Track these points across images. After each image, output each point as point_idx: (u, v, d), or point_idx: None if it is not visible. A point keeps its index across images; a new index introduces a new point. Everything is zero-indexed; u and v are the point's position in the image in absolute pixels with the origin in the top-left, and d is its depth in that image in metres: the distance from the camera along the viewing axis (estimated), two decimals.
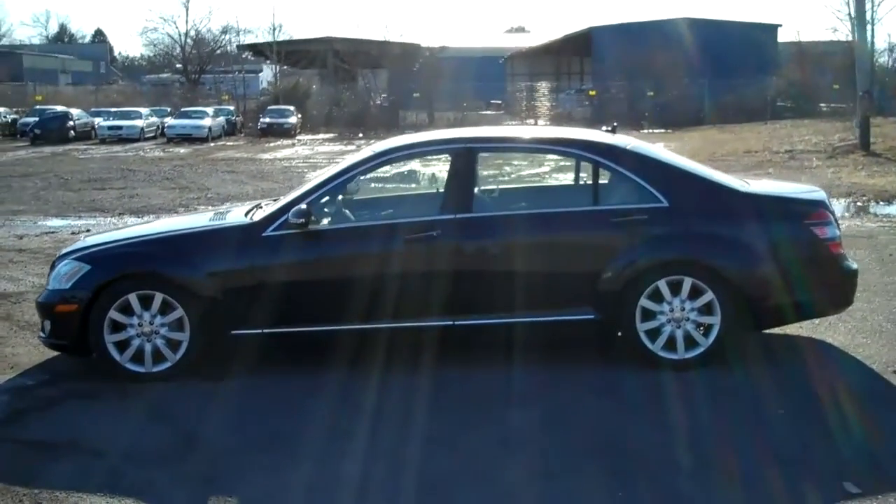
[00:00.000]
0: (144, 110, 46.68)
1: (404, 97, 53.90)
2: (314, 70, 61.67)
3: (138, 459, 5.21)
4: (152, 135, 44.16)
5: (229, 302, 6.46)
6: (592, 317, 6.47)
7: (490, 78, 61.41)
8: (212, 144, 40.17)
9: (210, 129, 42.31)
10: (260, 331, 6.53)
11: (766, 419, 5.59)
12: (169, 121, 44.26)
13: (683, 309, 6.42)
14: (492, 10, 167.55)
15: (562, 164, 7.07)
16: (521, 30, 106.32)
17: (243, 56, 66.31)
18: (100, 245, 6.94)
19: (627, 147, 6.80)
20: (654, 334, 6.46)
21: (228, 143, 41.10)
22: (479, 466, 5.00)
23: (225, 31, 70.29)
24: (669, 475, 4.82)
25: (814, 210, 6.59)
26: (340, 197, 6.95)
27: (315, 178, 6.95)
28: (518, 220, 6.68)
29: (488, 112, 54.92)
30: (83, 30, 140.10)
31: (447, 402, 6.03)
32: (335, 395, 6.18)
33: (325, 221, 6.74)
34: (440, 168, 6.68)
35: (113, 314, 6.45)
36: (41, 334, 6.82)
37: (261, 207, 7.00)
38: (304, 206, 6.46)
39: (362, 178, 6.90)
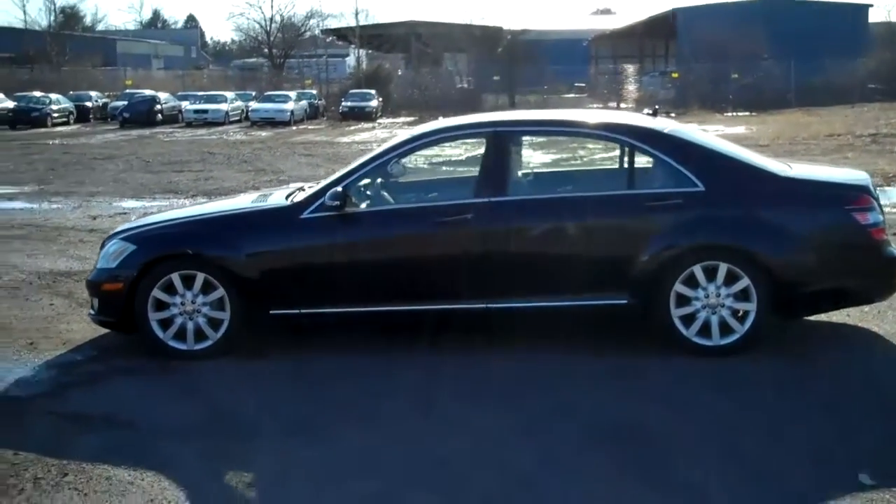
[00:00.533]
0: (230, 94, 47.49)
1: (486, 80, 53.84)
2: (400, 54, 62.04)
3: (166, 434, 5.37)
4: (237, 118, 44.90)
5: (268, 282, 6.60)
6: (626, 301, 6.44)
7: (573, 61, 60.88)
8: (293, 128, 40.72)
9: (292, 112, 42.86)
10: (298, 311, 6.66)
11: (788, 409, 5.51)
12: (253, 105, 44.93)
13: (719, 295, 6.35)
14: None
15: (601, 148, 7.03)
16: (606, 11, 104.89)
17: (328, 40, 66.90)
18: (146, 226, 7.16)
19: (664, 130, 6.74)
20: (688, 320, 6.40)
21: (310, 127, 41.62)
22: (487, 450, 5.04)
23: (310, 16, 70.98)
24: (679, 463, 4.80)
25: (855, 195, 6.45)
26: (381, 180, 7.01)
27: (354, 161, 7.05)
28: (551, 203, 6.69)
29: (571, 95, 54.53)
30: (175, 16, 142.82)
31: (472, 386, 6.08)
32: (361, 377, 6.28)
33: (365, 204, 6.81)
34: (481, 151, 6.71)
35: (157, 293, 6.63)
36: (91, 311, 7.05)
37: (303, 190, 7.11)
38: (339, 188, 6.56)
39: (402, 160, 6.94)
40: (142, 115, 42.86)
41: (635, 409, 5.61)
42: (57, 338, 7.34)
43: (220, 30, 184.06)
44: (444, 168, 6.72)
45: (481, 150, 6.72)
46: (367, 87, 50.17)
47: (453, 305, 6.58)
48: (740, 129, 32.26)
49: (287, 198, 6.97)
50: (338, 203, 6.50)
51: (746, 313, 6.36)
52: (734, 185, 6.48)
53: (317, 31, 70.29)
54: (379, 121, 45.31)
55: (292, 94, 46.86)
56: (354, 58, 68.03)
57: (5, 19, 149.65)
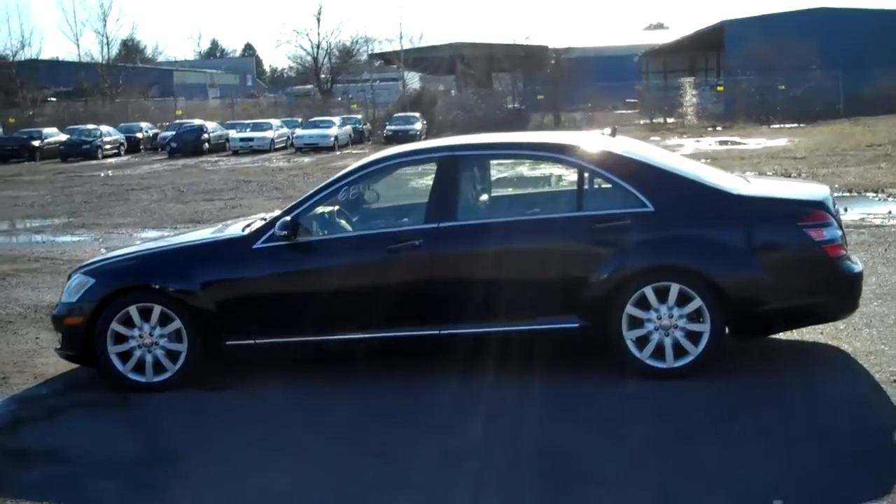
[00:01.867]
0: (275, 122, 48.00)
1: (532, 100, 53.81)
2: (451, 76, 62.29)
3: (100, 469, 5.42)
4: (282, 145, 45.38)
5: (222, 313, 6.63)
6: (578, 325, 6.35)
7: (624, 76, 60.55)
8: (337, 153, 41.01)
9: (336, 137, 43.19)
10: (253, 341, 6.68)
11: (723, 432, 5.39)
12: (298, 131, 45.37)
13: (671, 316, 6.24)
14: (628, 7, 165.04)
15: (555, 170, 6.97)
16: (659, 26, 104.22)
17: (376, 64, 67.41)
18: (106, 260, 7.25)
19: (613, 151, 6.66)
20: (642, 343, 6.30)
21: (353, 152, 41.86)
22: (409, 478, 4.99)
23: (355, 41, 71.65)
24: (592, 490, 4.72)
25: (809, 211, 6.30)
26: (336, 208, 7.01)
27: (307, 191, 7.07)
28: (499, 227, 6.63)
29: (619, 111, 54.17)
30: (233, 45, 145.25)
31: (417, 412, 6.06)
32: (307, 405, 6.30)
33: (322, 232, 6.82)
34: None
35: (115, 326, 6.69)
36: (56, 346, 7.14)
37: (265, 220, 7.14)
38: (288, 218, 6.58)
39: (365, 187, 6.95)
40: (189, 144, 43.55)
41: (570, 433, 5.55)
42: (30, 372, 7.44)
43: (277, 57, 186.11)
44: (415, 194, 6.72)
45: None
46: (412, 110, 50.41)
47: (405, 332, 6.55)
48: (782, 142, 31.83)
49: (244, 229, 7.00)
50: (286, 233, 6.53)
51: (700, 335, 6.23)
52: (684, 205, 6.37)
53: (362, 57, 70.82)
54: None
55: (336, 119, 47.23)
56: (410, 81, 68.53)
57: (61, 53, 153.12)
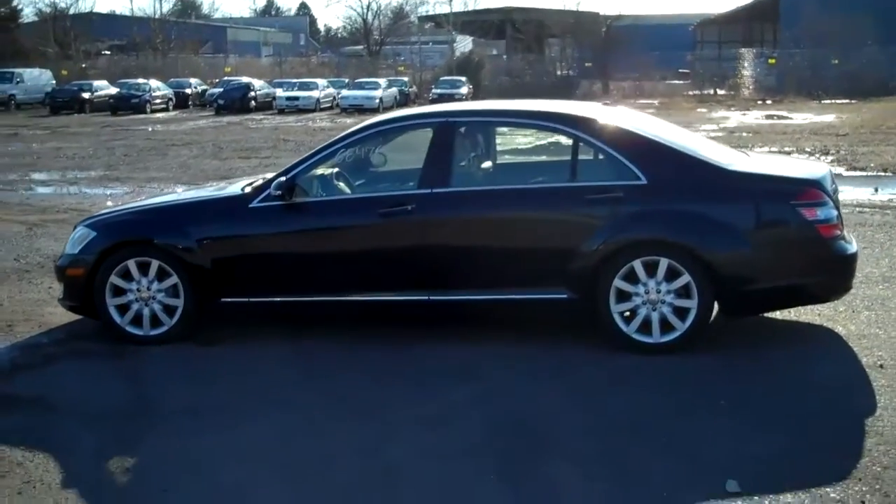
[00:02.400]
0: (322, 82, 48.12)
1: (581, 67, 53.37)
2: (502, 40, 61.88)
3: (81, 417, 5.54)
4: (328, 105, 45.50)
5: (218, 270, 6.72)
6: (566, 296, 6.35)
7: (678, 46, 59.76)
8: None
9: (381, 99, 43.17)
10: (248, 299, 6.77)
11: (702, 409, 5.39)
12: (344, 92, 45.45)
13: (659, 291, 6.21)
14: None
15: (551, 139, 6.94)
16: None
17: (427, 27, 67.18)
18: (109, 213, 7.37)
19: (609, 122, 6.61)
20: (629, 316, 6.29)
21: None
22: (381, 440, 5.06)
23: (405, 2, 71.39)
24: (556, 460, 4.74)
25: (803, 190, 6.22)
26: (336, 170, 7.05)
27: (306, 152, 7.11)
28: (491, 195, 6.65)
29: (670, 81, 53.55)
30: (289, 4, 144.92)
31: (396, 376, 6.10)
32: (295, 363, 6.38)
33: (320, 194, 6.86)
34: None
35: (114, 279, 6.81)
36: (59, 296, 7.28)
37: (264, 179, 7.20)
38: (283, 179, 6.63)
39: (350, 151, 6.96)
40: (236, 102, 43.84)
41: (549, 403, 5.57)
42: (36, 321, 7.59)
43: (331, 17, 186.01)
44: (417, 159, 6.77)
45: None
46: (459, 74, 50.25)
47: (395, 297, 6.60)
48: (829, 118, 31.30)
49: (244, 188, 7.07)
50: (280, 193, 6.58)
51: (688, 310, 6.20)
52: (677, 179, 6.32)
53: (413, 18, 70.62)
54: None
55: (383, 81, 47.25)
56: (465, 44, 68.20)
57: (116, 6, 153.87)
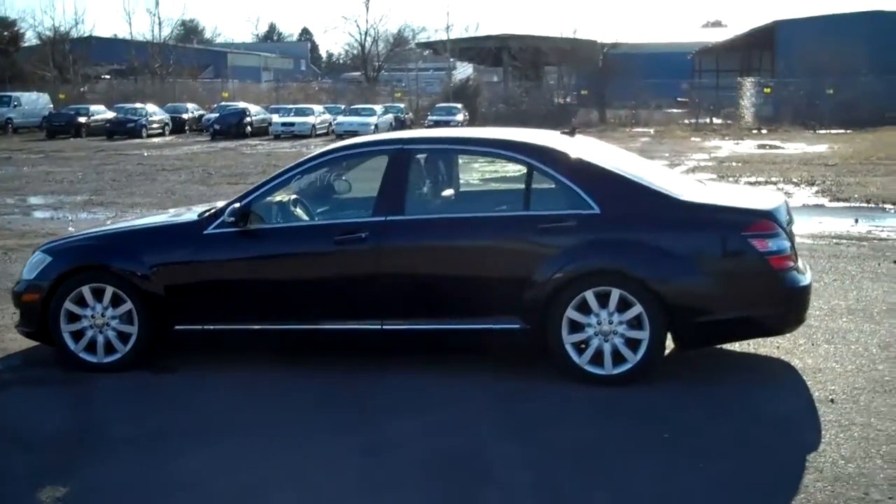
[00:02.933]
0: (318, 108, 48.23)
1: (578, 94, 53.50)
2: (500, 67, 62.05)
3: (19, 447, 5.48)
4: (324, 131, 45.54)
5: (171, 297, 6.68)
6: (518, 326, 6.31)
7: (676, 74, 59.90)
8: None
9: (376, 126, 43.23)
10: (201, 327, 6.73)
11: (644, 442, 5.34)
12: (339, 118, 45.55)
13: (611, 322, 6.18)
14: (686, 4, 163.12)
15: (506, 167, 6.92)
16: (717, 24, 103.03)
17: (424, 54, 67.45)
18: (66, 239, 7.35)
19: (563, 150, 6.59)
20: (581, 347, 6.25)
21: None
22: (313, 472, 5.01)
23: (402, 30, 71.76)
24: (484, 494, 4.70)
25: (754, 221, 6.20)
26: (293, 197, 7.03)
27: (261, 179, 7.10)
28: (444, 223, 6.62)
29: (666, 109, 53.58)
30: (290, 30, 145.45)
31: (342, 406, 6.06)
32: (244, 393, 6.33)
33: (276, 221, 6.84)
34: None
35: (68, 305, 6.77)
36: (16, 322, 7.24)
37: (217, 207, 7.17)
38: (238, 205, 6.61)
39: (305, 178, 6.97)
40: (231, 127, 43.90)
41: (492, 435, 5.51)
42: None
43: (333, 43, 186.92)
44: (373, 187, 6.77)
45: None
46: (455, 100, 50.40)
47: (350, 325, 6.56)
48: (822, 148, 31.34)
49: (201, 214, 7.04)
50: (234, 220, 6.56)
51: (639, 342, 6.16)
52: (629, 209, 6.29)
53: (411, 45, 70.90)
54: None
55: (378, 108, 47.36)
56: (464, 71, 68.40)
57: (115, 30, 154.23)
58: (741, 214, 6.30)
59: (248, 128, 44.61)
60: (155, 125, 46.32)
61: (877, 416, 5.62)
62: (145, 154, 33.17)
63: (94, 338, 6.79)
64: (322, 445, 5.38)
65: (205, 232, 6.71)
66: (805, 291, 6.32)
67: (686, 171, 23.54)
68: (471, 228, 6.51)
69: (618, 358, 6.20)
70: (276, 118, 45.64)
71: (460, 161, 7.29)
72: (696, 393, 6.15)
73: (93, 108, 48.66)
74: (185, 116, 49.96)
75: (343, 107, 50.87)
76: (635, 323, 6.16)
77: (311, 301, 6.59)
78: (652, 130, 45.28)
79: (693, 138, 39.77)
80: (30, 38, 69.17)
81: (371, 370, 6.66)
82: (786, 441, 5.35)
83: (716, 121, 49.54)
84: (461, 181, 7.31)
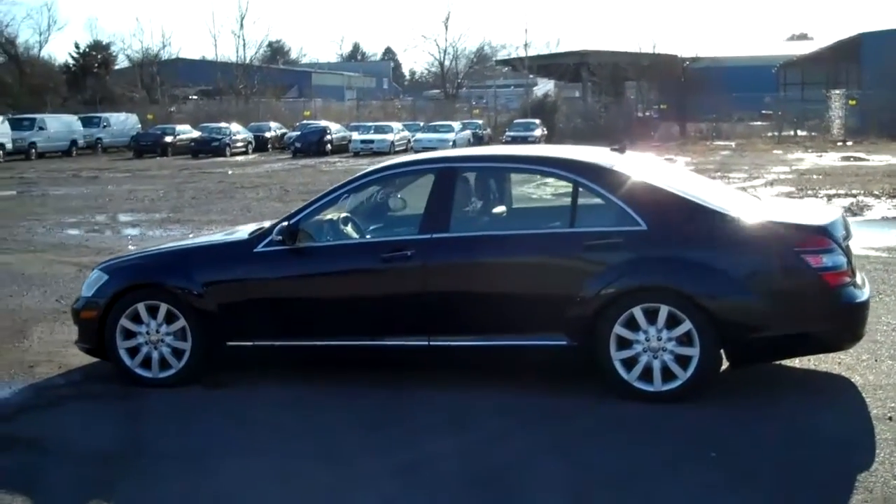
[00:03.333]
0: (397, 125, 48.62)
1: (658, 109, 52.99)
2: (583, 83, 61.85)
3: (69, 460, 5.60)
4: (402, 148, 45.81)
5: (223, 314, 6.77)
6: (566, 343, 6.25)
7: (760, 87, 58.96)
8: None
9: (454, 142, 43.41)
10: (252, 343, 6.80)
11: (690, 461, 5.22)
12: (417, 135, 45.84)
13: (660, 338, 6.08)
14: (771, 18, 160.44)
15: (553, 185, 6.86)
16: (803, 37, 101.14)
17: (504, 70, 67.55)
18: (123, 257, 7.49)
19: (609, 167, 6.52)
20: (630, 364, 6.15)
21: None
22: (355, 489, 5.00)
23: (481, 48, 72.01)
24: None
25: (808, 237, 6.04)
26: (343, 215, 7.07)
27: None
28: (491, 241, 6.60)
29: (749, 122, 52.72)
30: (374, 49, 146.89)
31: (387, 423, 6.04)
32: (294, 410, 6.36)
33: (325, 239, 6.89)
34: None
35: (124, 322, 6.91)
36: (75, 338, 7.40)
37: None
38: (286, 223, 6.68)
39: (353, 197, 7.01)
40: (312, 145, 44.51)
41: (529, 454, 5.45)
42: (58, 362, 7.72)
43: (417, 62, 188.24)
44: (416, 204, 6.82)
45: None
46: (534, 116, 50.32)
47: (397, 342, 6.57)
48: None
49: (252, 233, 7.12)
50: (281, 238, 6.63)
51: (689, 359, 6.05)
52: (677, 225, 6.19)
53: (491, 63, 71.08)
54: None
55: (457, 124, 47.54)
56: (544, 87, 68.35)
57: (204, 52, 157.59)
58: (794, 230, 6.15)
59: (329, 145, 45.16)
60: (239, 144, 47.18)
61: None
62: (228, 172, 33.77)
63: (149, 354, 6.91)
64: (362, 463, 5.37)
65: (255, 250, 6.79)
66: (862, 307, 6.14)
67: (764, 183, 23.14)
68: (516, 245, 6.47)
69: (667, 375, 6.09)
70: (355, 136, 46.13)
71: (507, 179, 7.24)
72: (749, 411, 6.00)
73: (178, 127, 49.74)
74: (267, 135, 50.76)
75: (421, 124, 51.14)
76: (685, 339, 6.05)
77: (358, 318, 6.62)
78: (733, 143, 44.58)
79: (775, 151, 39.06)
80: (120, 61, 71.26)
81: (418, 387, 6.63)
82: (837, 460, 5.19)
83: (800, 133, 48.59)
84: (508, 199, 7.26)
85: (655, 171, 6.80)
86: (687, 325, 6.01)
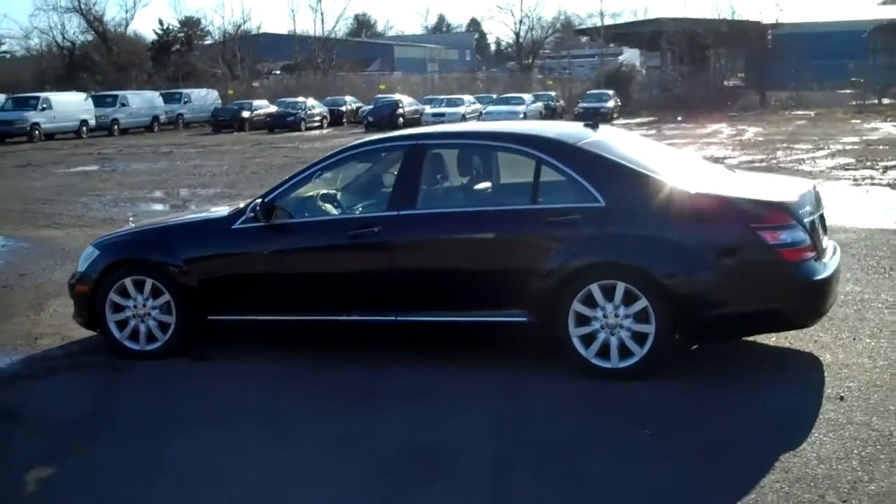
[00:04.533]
0: (469, 98, 48.59)
1: (737, 77, 51.96)
2: (661, 52, 60.91)
3: (42, 428, 5.86)
4: (474, 121, 45.84)
5: (204, 289, 6.99)
6: (527, 319, 6.30)
7: (847, 54, 57.29)
8: None
9: (525, 114, 43.27)
10: (230, 317, 7.01)
11: (623, 438, 5.26)
12: (489, 107, 45.78)
13: (617, 315, 6.09)
14: None
15: (518, 161, 6.86)
16: None
17: (583, 40, 66.89)
18: (115, 234, 7.76)
19: (573, 143, 6.52)
20: (589, 340, 6.18)
21: None
22: (293, 459, 5.17)
23: (556, 18, 71.29)
24: (439, 486, 4.74)
25: (764, 213, 5.98)
26: (319, 192, 7.20)
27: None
28: (454, 217, 6.67)
29: (830, 90, 51.33)
30: (459, 20, 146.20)
31: (351, 396, 6.20)
32: (269, 381, 6.59)
33: (297, 216, 7.02)
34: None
35: (113, 296, 7.16)
36: (73, 312, 7.70)
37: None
38: (260, 200, 6.84)
39: (324, 174, 7.13)
40: (384, 118, 44.74)
41: (473, 427, 5.54)
42: (62, 335, 8.01)
43: (499, 34, 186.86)
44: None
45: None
46: (608, 87, 49.79)
47: (367, 317, 6.70)
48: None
49: (231, 210, 7.31)
50: (253, 215, 6.80)
51: (646, 336, 6.05)
52: (635, 201, 6.17)
53: (565, 33, 70.39)
54: (613, 122, 44.72)
55: (528, 96, 47.32)
56: (630, 56, 67.41)
57: (286, 26, 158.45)
58: (751, 206, 6.09)
59: (401, 119, 45.33)
60: (315, 118, 47.69)
61: (880, 416, 5.35)
62: (299, 146, 34.17)
63: (136, 327, 7.16)
64: (308, 434, 5.53)
65: (232, 227, 6.97)
66: (822, 284, 6.04)
67: (826, 154, 22.65)
68: (480, 222, 6.54)
69: (625, 352, 6.11)
70: (427, 109, 46.24)
71: (475, 156, 7.28)
72: (706, 388, 5.99)
73: (256, 102, 50.47)
74: (343, 109, 51.16)
75: (494, 96, 51.02)
76: (643, 316, 6.05)
77: (329, 293, 6.77)
78: (812, 113, 43.51)
79: (854, 120, 38.01)
80: (203, 37, 72.49)
81: (390, 361, 6.75)
82: (770, 439, 5.14)
83: (884, 101, 47.17)
84: (476, 176, 7.30)
85: (624, 148, 6.77)
86: (643, 302, 6.01)
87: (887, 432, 5.11)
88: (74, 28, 68.40)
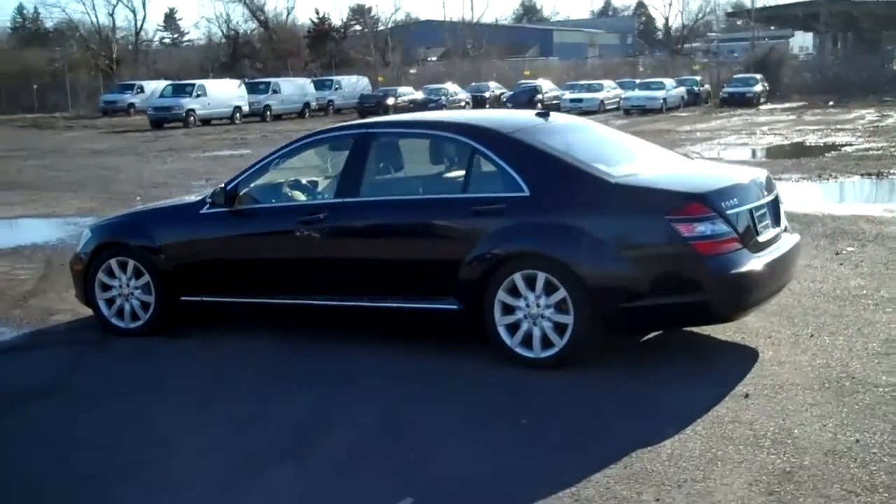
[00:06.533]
0: (609, 83, 48.02)
1: None
2: (817, 35, 58.51)
3: (12, 400, 6.29)
4: (613, 107, 45.31)
5: (177, 270, 7.37)
6: (456, 307, 6.38)
7: None
8: (659, 115, 40.31)
9: (665, 100, 42.49)
10: (200, 298, 7.35)
11: (495, 427, 5.30)
12: (628, 93, 45.14)
13: (539, 305, 6.10)
14: None
15: (457, 149, 6.88)
16: None
17: (738, 23, 64.88)
18: (108, 217, 8.22)
19: (503, 132, 6.54)
20: (513, 330, 6.22)
21: (679, 115, 40.86)
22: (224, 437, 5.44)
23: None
24: (291, 463, 4.93)
25: (680, 205, 5.86)
26: (282, 180, 7.47)
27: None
28: (389, 205, 6.80)
29: None
30: (626, 2, 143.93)
31: (283, 376, 6.44)
32: (235, 359, 6.91)
33: (268, 201, 7.31)
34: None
35: (101, 276, 7.63)
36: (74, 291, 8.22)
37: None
38: (221, 188, 7.15)
39: (283, 162, 7.36)
40: (523, 104, 44.70)
41: (364, 410, 5.69)
42: (75, 312, 8.45)
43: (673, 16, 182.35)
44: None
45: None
46: (756, 71, 48.18)
47: (313, 301, 6.92)
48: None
49: (201, 196, 7.65)
50: (213, 201, 7.12)
51: (566, 326, 6.04)
52: (557, 192, 6.16)
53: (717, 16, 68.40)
54: (760, 107, 43.34)
55: (670, 81, 46.36)
56: (804, 40, 65.20)
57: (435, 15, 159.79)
58: (668, 197, 5.98)
59: (539, 104, 45.23)
60: (458, 104, 48.06)
61: (768, 416, 5.20)
62: None
63: (121, 306, 7.60)
64: (229, 410, 5.79)
65: (200, 212, 7.31)
66: (741, 277, 5.87)
67: None
68: (413, 210, 6.65)
69: (547, 342, 6.11)
70: (567, 94, 45.98)
71: (418, 144, 7.37)
72: (620, 379, 5.95)
73: (401, 89, 51.27)
74: (486, 95, 51.41)
75: (637, 81, 50.21)
76: (563, 307, 6.04)
77: (283, 278, 7.03)
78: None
79: None
80: (357, 26, 74.14)
81: (338, 343, 6.95)
82: (638, 433, 5.04)
83: None
84: (416, 164, 7.40)
85: (565, 138, 6.74)
86: (562, 293, 6.00)
87: (762, 432, 4.97)
88: (238, 17, 71.12)
